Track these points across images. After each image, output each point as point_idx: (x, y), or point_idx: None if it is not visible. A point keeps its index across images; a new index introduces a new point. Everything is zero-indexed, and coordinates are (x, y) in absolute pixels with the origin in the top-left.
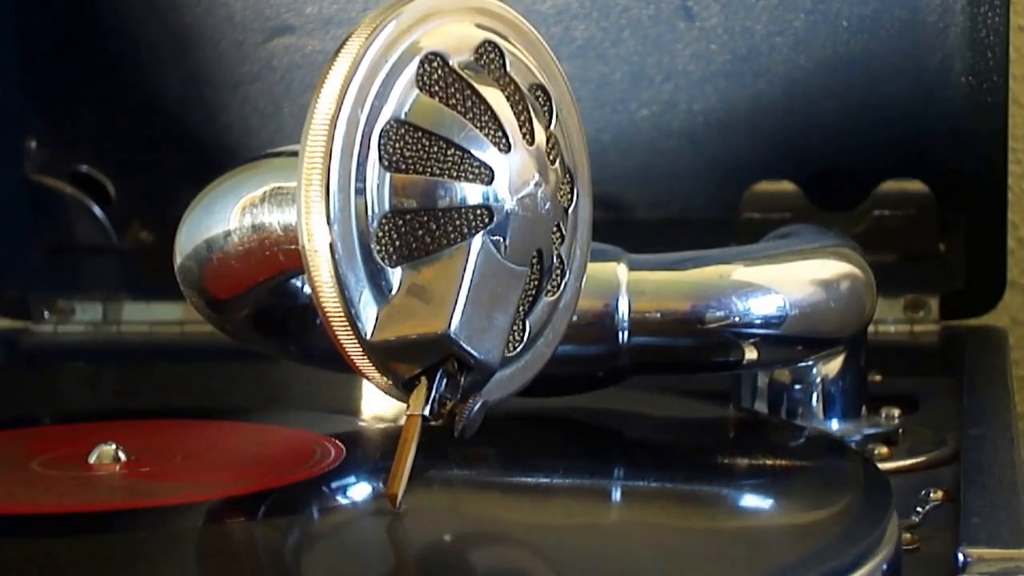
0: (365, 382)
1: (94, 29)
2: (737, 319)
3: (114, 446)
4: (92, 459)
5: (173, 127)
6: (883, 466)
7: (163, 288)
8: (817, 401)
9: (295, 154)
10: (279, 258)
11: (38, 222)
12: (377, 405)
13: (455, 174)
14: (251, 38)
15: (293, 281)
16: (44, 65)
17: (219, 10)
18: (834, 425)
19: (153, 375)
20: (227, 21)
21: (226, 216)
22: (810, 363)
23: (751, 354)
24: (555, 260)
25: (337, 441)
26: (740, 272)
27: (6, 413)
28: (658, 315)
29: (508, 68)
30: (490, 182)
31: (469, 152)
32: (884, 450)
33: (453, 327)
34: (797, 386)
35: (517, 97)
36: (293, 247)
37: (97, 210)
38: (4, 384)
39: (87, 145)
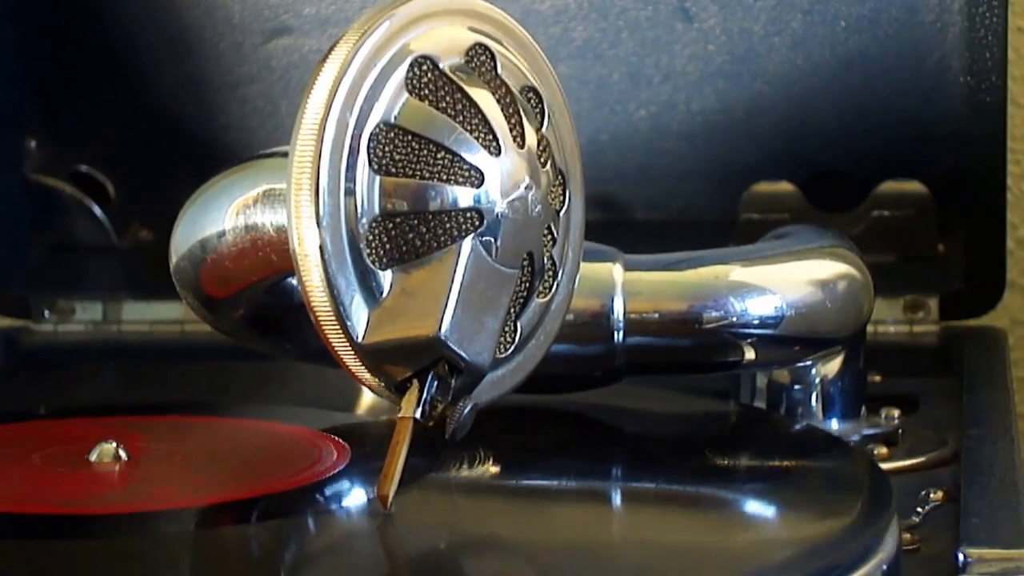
0: None
1: (94, 30)
2: (734, 319)
3: (115, 445)
4: (93, 457)
5: (173, 127)
6: (883, 466)
7: (163, 287)
8: (816, 401)
9: (288, 154)
10: (272, 258)
11: (38, 222)
12: (378, 401)
13: (445, 177)
14: (250, 39)
15: (288, 280)
16: (44, 65)
17: (218, 12)
18: (833, 425)
19: (153, 374)
20: (226, 22)
21: (220, 217)
22: (809, 363)
23: (749, 355)
24: (546, 262)
25: (340, 440)
26: (736, 272)
27: (6, 412)
28: (655, 315)
29: (499, 70)
30: (480, 185)
31: (459, 155)
32: (884, 450)
33: (443, 330)
34: (796, 386)
35: (508, 100)
36: (286, 248)
37: (97, 210)
38: (4, 383)
39: (87, 145)
